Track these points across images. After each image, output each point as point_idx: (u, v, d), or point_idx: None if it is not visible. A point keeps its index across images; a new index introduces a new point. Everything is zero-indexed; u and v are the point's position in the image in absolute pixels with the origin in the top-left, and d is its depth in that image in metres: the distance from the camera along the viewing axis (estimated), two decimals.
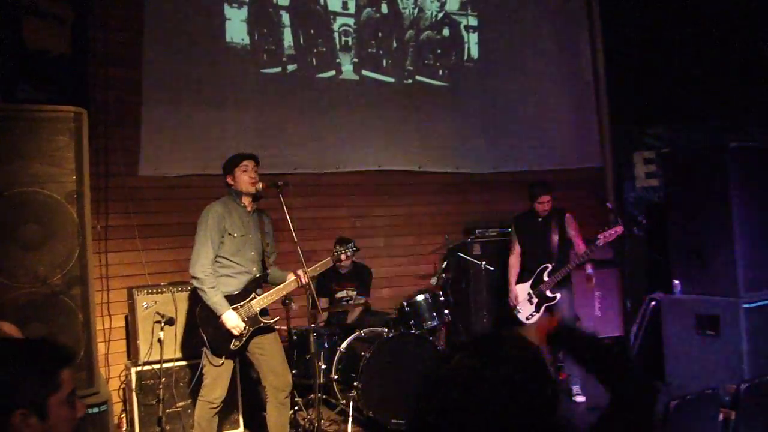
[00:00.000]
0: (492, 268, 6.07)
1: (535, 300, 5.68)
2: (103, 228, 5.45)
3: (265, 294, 4.37)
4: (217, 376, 4.26)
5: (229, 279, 4.28)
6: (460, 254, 6.30)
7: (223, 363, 4.24)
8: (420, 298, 5.57)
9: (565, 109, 7.86)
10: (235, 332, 4.16)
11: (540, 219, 5.74)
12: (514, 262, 5.85)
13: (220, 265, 4.26)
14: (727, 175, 5.66)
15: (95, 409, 3.91)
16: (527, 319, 5.71)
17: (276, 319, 4.46)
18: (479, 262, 6.09)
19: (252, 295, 4.31)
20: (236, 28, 6.21)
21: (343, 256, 4.69)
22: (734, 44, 6.74)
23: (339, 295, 5.99)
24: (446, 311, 5.66)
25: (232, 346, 4.21)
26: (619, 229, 5.49)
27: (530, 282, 5.71)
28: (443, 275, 5.90)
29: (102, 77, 5.55)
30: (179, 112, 5.88)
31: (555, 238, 5.68)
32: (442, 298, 5.65)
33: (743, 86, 6.75)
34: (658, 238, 6.66)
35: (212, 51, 6.10)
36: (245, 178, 4.32)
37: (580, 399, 5.65)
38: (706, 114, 7.02)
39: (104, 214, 5.48)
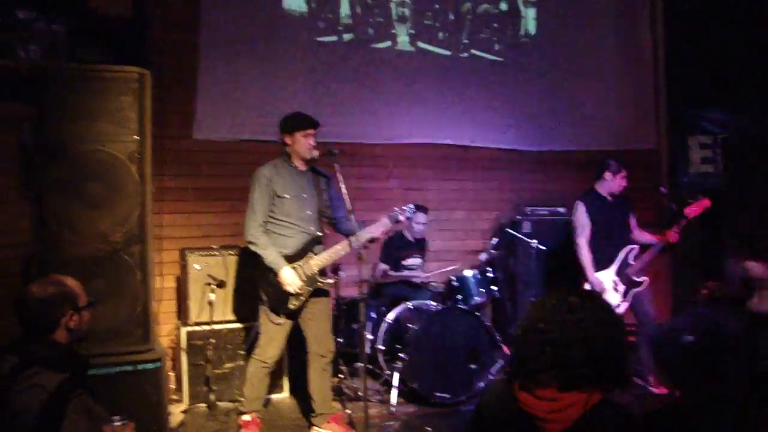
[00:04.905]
0: (543, 248, 6.00)
1: (621, 287, 5.29)
2: (158, 189, 5.51)
3: (322, 254, 4.35)
4: (273, 335, 4.30)
5: (286, 239, 4.29)
6: (510, 231, 6.24)
7: (282, 322, 4.27)
8: (468, 273, 5.57)
9: (621, 89, 7.65)
10: (290, 289, 4.17)
11: (610, 200, 5.41)
12: (588, 248, 5.33)
13: (276, 226, 4.29)
14: None
15: (150, 365, 3.99)
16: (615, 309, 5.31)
17: (334, 279, 4.47)
18: (529, 240, 6.02)
19: (308, 255, 4.31)
20: None
21: (401, 217, 4.51)
22: None
23: (406, 262, 5.99)
24: (494, 288, 5.65)
25: (290, 305, 4.24)
26: (707, 201, 5.21)
27: (615, 268, 5.31)
28: (492, 251, 5.85)
29: (160, 40, 5.62)
30: (235, 78, 5.90)
31: (630, 221, 5.45)
32: (490, 275, 5.63)
33: None
34: (711, 226, 6.51)
35: (269, 18, 6.09)
36: (306, 143, 4.33)
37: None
38: (766, 98, 6.79)
39: (159, 176, 5.53)
